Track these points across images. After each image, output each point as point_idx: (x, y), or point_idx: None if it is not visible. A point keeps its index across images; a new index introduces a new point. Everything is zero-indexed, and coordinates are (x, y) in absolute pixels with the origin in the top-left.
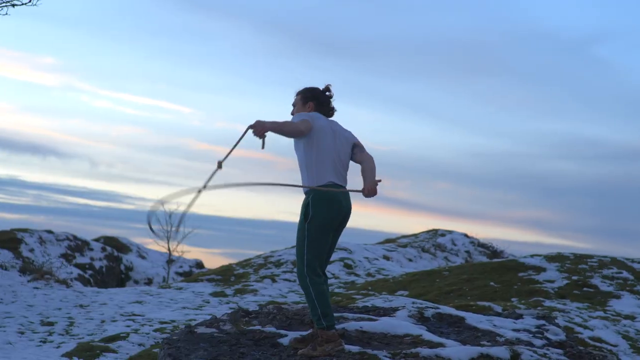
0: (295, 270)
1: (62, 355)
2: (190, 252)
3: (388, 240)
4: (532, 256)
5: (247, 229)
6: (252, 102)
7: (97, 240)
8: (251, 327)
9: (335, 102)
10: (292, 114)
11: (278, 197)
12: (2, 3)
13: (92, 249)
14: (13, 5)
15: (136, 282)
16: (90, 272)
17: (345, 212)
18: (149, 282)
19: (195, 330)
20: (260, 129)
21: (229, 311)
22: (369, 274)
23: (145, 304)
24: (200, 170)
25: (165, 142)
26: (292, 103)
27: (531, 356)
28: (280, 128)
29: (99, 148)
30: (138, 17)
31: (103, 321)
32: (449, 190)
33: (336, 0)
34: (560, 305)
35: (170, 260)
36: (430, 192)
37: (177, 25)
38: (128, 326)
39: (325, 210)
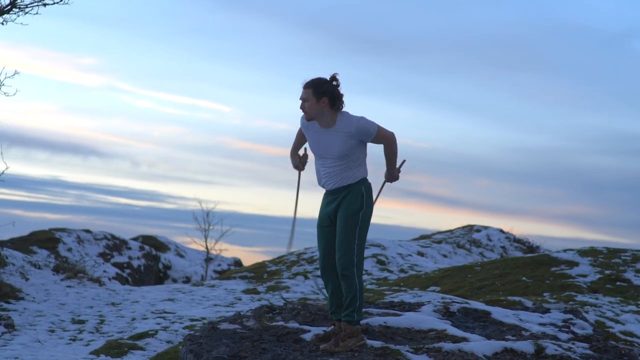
0: None
1: (90, 353)
2: (228, 250)
3: (423, 237)
4: (565, 251)
5: (288, 227)
6: (291, 100)
7: (135, 239)
8: (274, 323)
9: (374, 99)
10: (303, 108)
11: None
12: (33, 3)
13: (130, 248)
14: (44, 5)
15: (174, 280)
16: (128, 271)
17: None
18: (187, 280)
19: (218, 326)
20: (396, 178)
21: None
22: (402, 270)
23: (177, 301)
24: (240, 169)
25: (206, 141)
26: (301, 97)
27: (555, 350)
28: (395, 153)
29: (140, 148)
30: (177, 16)
31: (134, 319)
32: (489, 187)
33: None
34: (592, 299)
35: (208, 259)
36: (470, 188)
37: (216, 23)
38: (158, 324)
39: (372, 203)
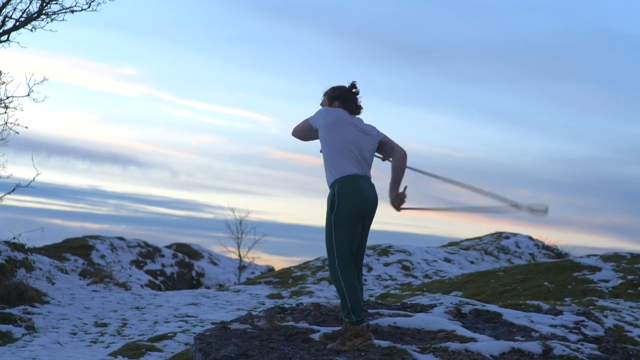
0: None
1: (109, 355)
2: (261, 258)
3: (451, 244)
4: (588, 256)
5: (320, 236)
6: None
7: (169, 247)
8: (285, 323)
9: (411, 108)
10: None
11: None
12: (59, 10)
13: (163, 256)
14: (72, 12)
15: (207, 288)
16: (161, 278)
17: (372, 204)
18: (220, 288)
19: (229, 326)
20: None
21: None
22: (426, 276)
23: (200, 305)
24: (279, 178)
25: (244, 150)
26: (320, 103)
27: (563, 351)
28: None
29: (179, 157)
30: (215, 25)
31: (156, 322)
32: (529, 197)
33: (412, 5)
34: (613, 304)
35: (241, 267)
36: (509, 197)
37: (254, 32)
38: (180, 327)
39: (350, 200)
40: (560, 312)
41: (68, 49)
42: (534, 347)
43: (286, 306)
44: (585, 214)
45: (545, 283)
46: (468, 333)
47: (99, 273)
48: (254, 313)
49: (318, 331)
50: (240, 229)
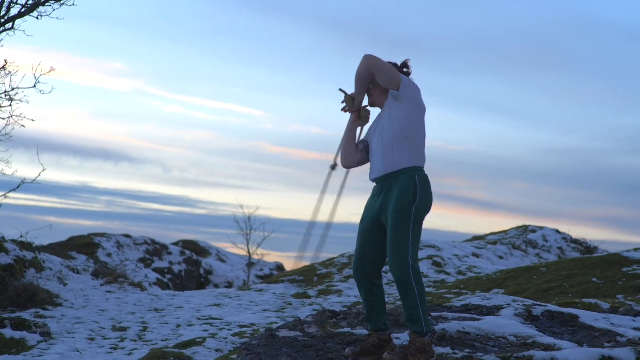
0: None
1: None
2: (269, 255)
3: (476, 238)
4: (636, 250)
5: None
6: (322, 103)
7: (175, 244)
8: (340, 330)
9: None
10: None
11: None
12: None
13: (170, 253)
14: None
15: (216, 285)
16: (169, 276)
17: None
18: (229, 285)
19: (277, 333)
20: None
21: (314, 313)
22: (459, 272)
23: (223, 307)
24: (273, 173)
25: (237, 145)
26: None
27: None
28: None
29: (172, 153)
30: (205, 19)
31: (179, 325)
32: (526, 189)
33: None
34: None
35: (250, 264)
36: (506, 191)
37: (244, 26)
38: (205, 330)
39: (429, 196)
40: (639, 314)
41: (56, 45)
42: (627, 354)
43: (338, 310)
44: (580, 205)
45: (594, 279)
46: (547, 339)
47: (113, 273)
48: (302, 318)
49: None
50: (249, 225)
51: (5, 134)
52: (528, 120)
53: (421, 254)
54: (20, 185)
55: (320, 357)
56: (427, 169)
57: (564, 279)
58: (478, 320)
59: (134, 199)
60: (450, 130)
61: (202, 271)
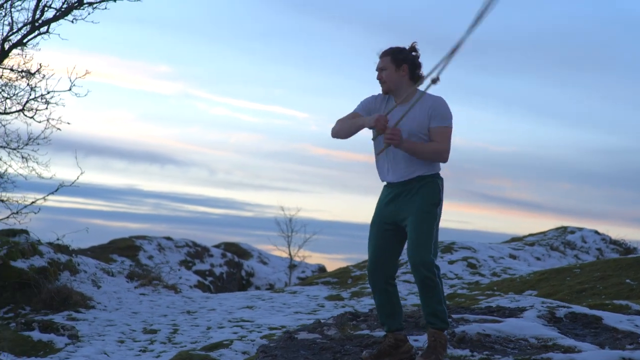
0: None
1: None
2: (311, 257)
3: (514, 239)
4: None
5: (364, 234)
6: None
7: (217, 246)
8: (359, 332)
9: (450, 103)
10: (381, 78)
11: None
12: None
13: (212, 255)
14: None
15: (257, 288)
16: (210, 278)
17: None
18: (271, 287)
19: (296, 336)
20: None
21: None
22: (494, 274)
23: (256, 309)
24: (318, 175)
25: (282, 147)
26: (378, 67)
27: None
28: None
29: (217, 155)
30: (250, 21)
31: (209, 328)
32: (571, 190)
33: None
34: None
35: (292, 266)
36: (552, 192)
37: (290, 28)
38: (235, 332)
39: (442, 201)
40: None
41: (103, 48)
42: None
43: (359, 311)
44: (622, 205)
45: (627, 280)
46: (568, 341)
47: (147, 275)
48: (322, 320)
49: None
50: (290, 227)
51: (44, 138)
52: (573, 120)
53: (456, 256)
54: (59, 188)
55: None
56: (470, 169)
57: (597, 280)
58: (500, 322)
59: (180, 202)
60: (494, 131)
61: (243, 273)
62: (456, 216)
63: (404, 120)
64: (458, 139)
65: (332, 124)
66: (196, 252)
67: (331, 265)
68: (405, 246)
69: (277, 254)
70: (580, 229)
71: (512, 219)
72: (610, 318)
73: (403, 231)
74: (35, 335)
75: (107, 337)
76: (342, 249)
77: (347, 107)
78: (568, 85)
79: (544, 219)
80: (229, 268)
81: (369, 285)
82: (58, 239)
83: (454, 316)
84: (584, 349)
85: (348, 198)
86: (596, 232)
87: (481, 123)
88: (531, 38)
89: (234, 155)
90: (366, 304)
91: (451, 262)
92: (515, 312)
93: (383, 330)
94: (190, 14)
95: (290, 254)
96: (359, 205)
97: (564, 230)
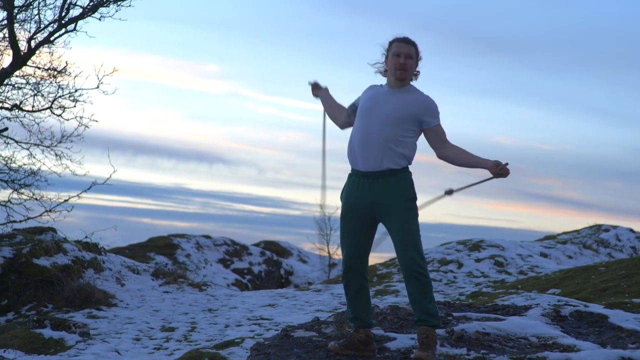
0: (441, 268)
1: None
2: None
3: (547, 237)
4: None
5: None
6: None
7: (257, 244)
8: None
9: (493, 101)
10: (404, 65)
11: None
12: None
13: (250, 254)
14: None
15: (296, 286)
16: (248, 277)
17: None
18: (309, 285)
19: (292, 334)
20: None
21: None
22: (521, 272)
23: (277, 307)
24: None
25: (330, 146)
26: (404, 52)
27: None
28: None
29: (266, 154)
30: (298, 21)
31: (227, 326)
32: (621, 189)
33: None
34: None
35: (331, 264)
36: (601, 191)
37: (337, 27)
38: (252, 331)
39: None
40: None
41: (151, 47)
42: None
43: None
44: None
45: None
46: (569, 340)
47: (173, 273)
48: (321, 318)
49: (394, 339)
50: (329, 226)
51: (77, 135)
52: (623, 119)
53: (483, 254)
54: (92, 186)
55: (330, 358)
56: (519, 168)
57: (622, 279)
58: (501, 320)
59: (228, 200)
60: (543, 129)
61: (282, 272)
62: (503, 215)
63: (399, 104)
64: (505, 138)
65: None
66: (235, 251)
67: (371, 263)
68: (392, 244)
69: (317, 252)
70: (615, 227)
71: (561, 218)
72: (616, 316)
73: (375, 225)
74: (47, 332)
75: (123, 335)
76: (385, 247)
77: None
78: (618, 84)
79: (593, 218)
80: (267, 266)
81: (393, 284)
82: (86, 237)
83: (455, 314)
84: (584, 347)
85: None
86: (631, 230)
87: (530, 122)
88: (581, 37)
89: (282, 154)
90: (389, 301)
91: (478, 260)
92: (520, 311)
93: (352, 326)
94: (238, 14)
95: (329, 252)
96: None
97: (597, 228)
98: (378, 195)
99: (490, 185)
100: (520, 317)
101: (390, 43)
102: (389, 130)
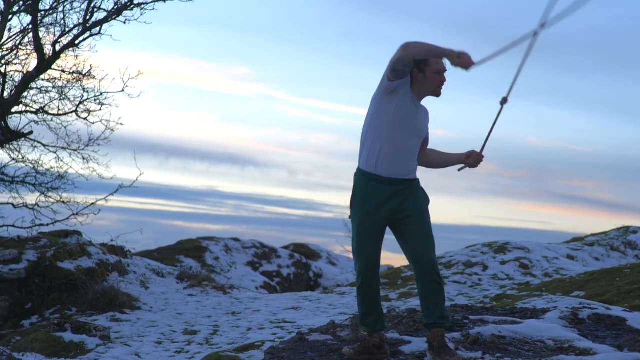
0: (466, 271)
1: None
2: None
3: (575, 239)
4: None
5: (448, 235)
6: (448, 106)
7: (286, 247)
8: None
9: (525, 102)
10: (443, 83)
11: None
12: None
13: (279, 256)
14: (164, 0)
15: (325, 289)
16: (277, 279)
17: None
18: (335, 288)
19: (307, 337)
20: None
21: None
22: (546, 274)
23: (301, 310)
24: None
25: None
26: (444, 70)
27: None
28: None
29: (297, 156)
30: (329, 22)
31: (249, 329)
32: None
33: None
34: None
35: None
36: (636, 192)
37: (368, 29)
38: (274, 334)
39: None
40: None
41: (181, 50)
42: None
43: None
44: None
45: None
46: (585, 343)
47: (198, 276)
48: (337, 321)
49: (410, 342)
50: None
51: (104, 139)
52: None
53: (509, 256)
54: (118, 189)
55: None
56: (551, 169)
57: None
58: (518, 323)
59: (260, 203)
60: (575, 131)
61: (311, 274)
62: (536, 217)
63: (423, 120)
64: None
65: None
66: (263, 253)
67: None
68: (406, 245)
69: (347, 255)
70: None
71: (594, 220)
72: (635, 319)
73: (385, 230)
74: (67, 336)
75: (145, 338)
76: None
77: (427, 107)
78: None
79: (627, 219)
80: (296, 269)
81: (416, 286)
82: (112, 240)
83: (472, 317)
84: (600, 351)
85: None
86: None
87: (563, 123)
88: (614, 37)
89: (314, 156)
90: (413, 304)
91: (503, 263)
92: (538, 314)
93: (366, 330)
94: (268, 16)
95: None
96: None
97: (625, 230)
98: (401, 201)
99: (522, 187)
100: (538, 320)
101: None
102: (416, 144)
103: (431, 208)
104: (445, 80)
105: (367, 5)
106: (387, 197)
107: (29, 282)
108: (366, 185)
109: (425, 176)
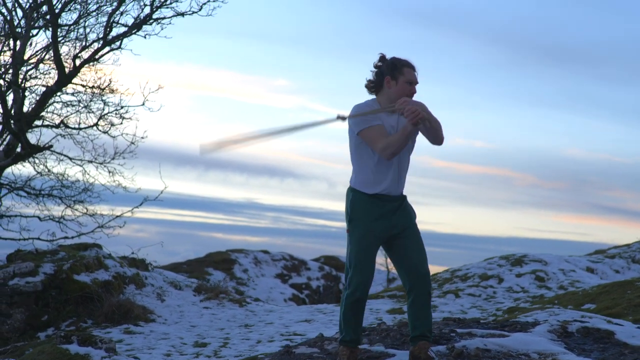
0: (481, 283)
1: None
2: None
3: (598, 252)
4: None
5: (487, 246)
6: (486, 116)
7: (316, 259)
8: (359, 346)
9: (560, 112)
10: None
11: (516, 214)
12: (171, 15)
13: (309, 269)
14: (182, 15)
15: None
16: (306, 292)
17: None
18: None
19: (294, 350)
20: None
21: None
22: (561, 287)
23: (313, 322)
24: (438, 188)
25: None
26: (415, 81)
27: None
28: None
29: (337, 168)
30: (367, 34)
31: (259, 341)
32: None
33: (555, 5)
34: None
35: (390, 279)
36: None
37: (406, 40)
38: (282, 347)
39: None
40: None
41: (221, 63)
42: None
43: (364, 327)
44: None
45: None
46: (570, 356)
47: (215, 289)
48: (325, 335)
49: (394, 355)
50: None
51: (130, 152)
52: None
53: (525, 269)
54: (143, 202)
55: None
56: (592, 180)
57: None
58: (506, 336)
59: (300, 215)
60: (616, 142)
61: (341, 286)
62: (574, 228)
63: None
64: (577, 150)
65: (451, 136)
66: (293, 266)
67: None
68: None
69: (377, 267)
70: None
71: (635, 232)
72: (623, 333)
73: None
74: (73, 348)
75: (155, 351)
76: (461, 261)
77: (465, 119)
78: None
79: None
80: (326, 281)
81: (432, 299)
82: (133, 253)
83: (459, 330)
84: None
85: (468, 210)
86: None
87: (602, 134)
88: None
89: (350, 168)
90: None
91: (519, 275)
92: (527, 327)
93: (349, 346)
94: (307, 28)
95: (387, 267)
96: (479, 217)
97: None
98: (399, 218)
99: (562, 198)
100: (525, 333)
101: (400, 66)
102: (407, 157)
103: (471, 220)
104: (415, 92)
105: (406, 18)
106: (385, 213)
107: (45, 294)
108: (366, 201)
109: (462, 188)
